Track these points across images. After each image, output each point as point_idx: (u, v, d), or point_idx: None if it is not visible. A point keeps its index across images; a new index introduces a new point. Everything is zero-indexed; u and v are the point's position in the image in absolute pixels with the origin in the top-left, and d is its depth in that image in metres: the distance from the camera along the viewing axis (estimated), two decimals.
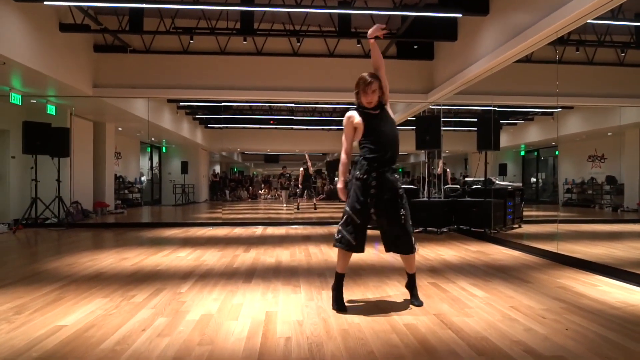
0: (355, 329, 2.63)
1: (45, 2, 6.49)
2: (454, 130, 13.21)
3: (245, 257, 5.13)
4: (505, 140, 9.76)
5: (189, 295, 3.39)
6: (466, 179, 9.07)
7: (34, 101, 8.84)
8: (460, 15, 6.80)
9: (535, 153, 12.61)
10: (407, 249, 3.05)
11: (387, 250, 3.12)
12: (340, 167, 3.08)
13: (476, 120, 7.94)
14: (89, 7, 7.29)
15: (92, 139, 11.24)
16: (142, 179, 15.82)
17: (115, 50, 8.70)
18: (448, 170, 10.58)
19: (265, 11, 7.92)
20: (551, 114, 10.34)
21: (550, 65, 6.07)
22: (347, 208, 3.00)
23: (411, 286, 3.21)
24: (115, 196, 12.46)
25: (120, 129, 12.60)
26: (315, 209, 13.06)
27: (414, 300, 3.16)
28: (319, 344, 2.39)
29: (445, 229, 7.61)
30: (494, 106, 7.61)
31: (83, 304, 3.11)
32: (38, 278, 3.97)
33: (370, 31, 3.01)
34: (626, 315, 2.89)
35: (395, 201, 2.99)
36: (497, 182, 7.80)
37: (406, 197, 3.07)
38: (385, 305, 3.14)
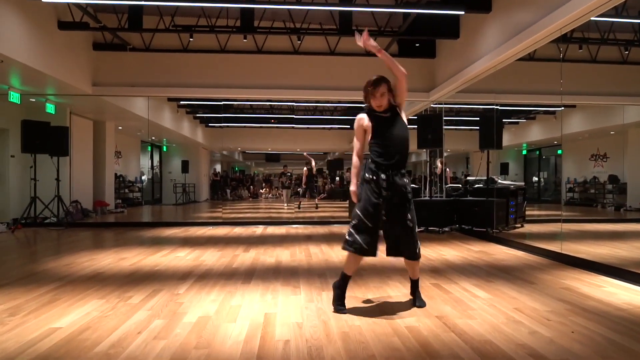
0: (355, 331, 2.57)
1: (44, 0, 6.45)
2: (456, 129, 13.15)
3: (245, 257, 5.08)
4: (507, 139, 9.66)
5: (187, 296, 3.34)
6: (468, 178, 9.00)
7: (33, 100, 8.79)
8: (463, 12, 6.74)
9: (537, 152, 12.53)
10: (411, 255, 2.99)
11: (388, 254, 3.07)
12: (353, 170, 3.04)
13: (478, 118, 7.87)
14: (87, 4, 7.23)
15: (92, 137, 11.20)
16: (143, 178, 15.78)
17: (114, 48, 8.65)
18: (448, 169, 10.51)
19: (265, 9, 7.86)
20: (553, 112, 10.26)
21: (553, 64, 6.00)
22: (358, 211, 2.92)
23: (414, 290, 3.16)
24: (116, 195, 12.42)
25: (120, 128, 12.56)
26: (317, 208, 13.01)
27: (417, 301, 3.10)
28: (319, 347, 2.33)
29: (447, 229, 7.54)
30: (497, 105, 7.53)
31: (79, 306, 3.06)
32: (35, 278, 3.92)
33: (361, 44, 2.89)
34: (633, 317, 2.83)
35: (404, 205, 2.93)
36: (499, 181, 7.74)
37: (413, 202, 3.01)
38: (386, 307, 3.09)
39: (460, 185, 8.88)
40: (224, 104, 12.79)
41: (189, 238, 6.78)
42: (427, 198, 8.02)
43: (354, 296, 3.33)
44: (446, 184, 9.21)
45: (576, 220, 8.99)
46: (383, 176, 2.88)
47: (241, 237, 6.94)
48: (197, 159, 16.91)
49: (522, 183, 8.86)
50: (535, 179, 12.59)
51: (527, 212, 8.26)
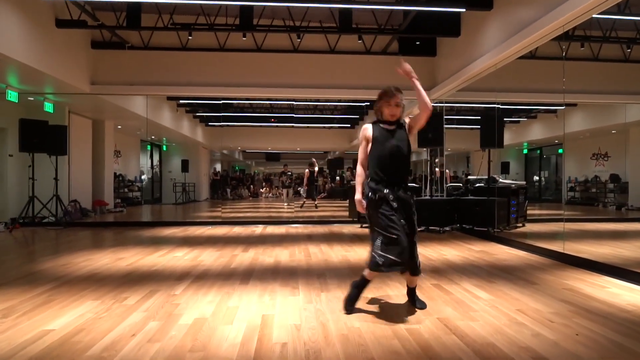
0: (355, 334, 2.52)
1: None
2: (457, 127, 13.08)
3: (244, 257, 5.02)
4: (508, 138, 9.58)
5: (183, 297, 3.29)
6: (469, 177, 8.94)
7: (31, 99, 8.73)
8: (464, 10, 6.66)
9: (538, 151, 12.47)
10: (413, 270, 2.93)
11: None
12: (357, 179, 3.01)
13: (479, 117, 7.80)
14: (85, 2, 7.17)
15: (91, 136, 11.13)
16: (143, 177, 15.72)
17: (113, 46, 8.58)
18: (447, 170, 10.44)
19: (264, 6, 7.79)
20: (554, 111, 10.19)
21: (554, 62, 5.93)
22: (379, 229, 2.81)
23: (412, 297, 3.10)
24: (115, 195, 12.35)
25: (119, 127, 12.49)
26: (317, 207, 12.95)
27: (417, 302, 3.05)
28: (317, 350, 2.28)
29: (447, 228, 7.49)
30: (498, 103, 7.47)
31: (73, 307, 3.01)
32: (30, 279, 3.87)
33: (403, 70, 2.93)
34: (638, 319, 2.77)
35: (410, 219, 2.86)
36: (500, 180, 7.68)
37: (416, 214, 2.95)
38: (386, 308, 3.03)
39: (461, 185, 8.82)
40: (223, 103, 12.73)
41: (187, 238, 6.73)
42: (427, 197, 7.96)
43: None
44: (446, 183, 9.15)
45: (577, 219, 8.94)
46: (386, 191, 2.83)
47: (240, 236, 6.89)
48: (197, 158, 16.85)
49: (524, 182, 8.80)
50: (536, 178, 12.54)
51: (528, 212, 8.20)
